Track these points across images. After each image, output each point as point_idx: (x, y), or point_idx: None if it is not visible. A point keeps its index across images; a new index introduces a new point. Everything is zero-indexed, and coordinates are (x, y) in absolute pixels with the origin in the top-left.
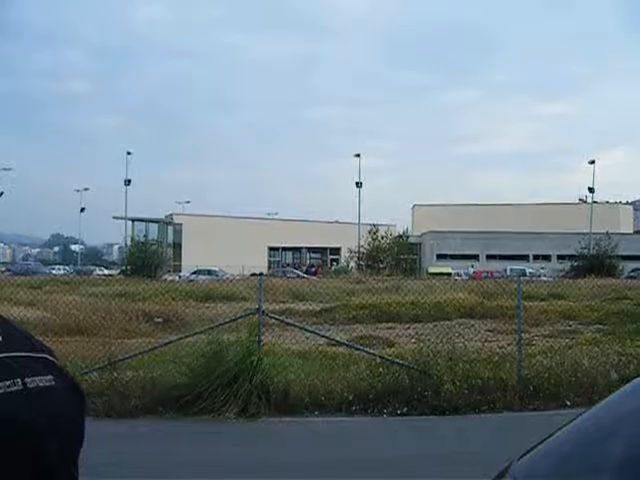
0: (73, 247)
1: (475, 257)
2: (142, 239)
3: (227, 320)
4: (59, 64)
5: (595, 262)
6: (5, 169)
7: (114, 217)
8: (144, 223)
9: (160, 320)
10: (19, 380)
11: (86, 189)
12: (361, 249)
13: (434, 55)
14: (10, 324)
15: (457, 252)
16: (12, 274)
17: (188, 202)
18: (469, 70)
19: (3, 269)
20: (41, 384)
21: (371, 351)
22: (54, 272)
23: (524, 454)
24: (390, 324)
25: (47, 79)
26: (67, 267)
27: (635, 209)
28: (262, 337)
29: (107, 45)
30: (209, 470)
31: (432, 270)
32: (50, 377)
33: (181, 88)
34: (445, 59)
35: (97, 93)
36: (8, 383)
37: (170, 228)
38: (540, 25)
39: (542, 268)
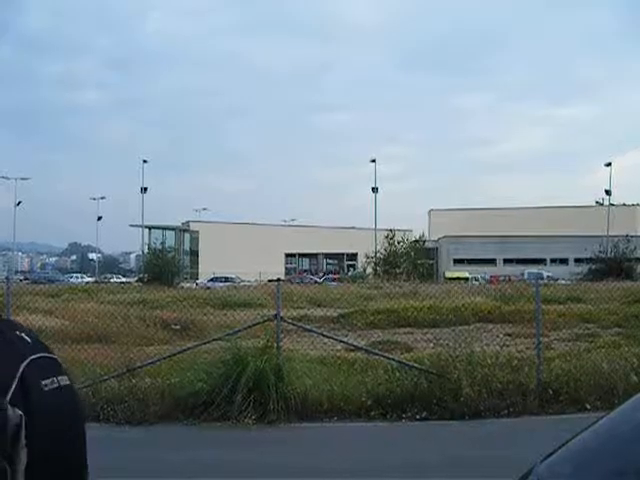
0: (90, 255)
1: (492, 261)
2: (159, 247)
3: (245, 326)
4: (74, 74)
5: (613, 265)
6: (22, 179)
7: (131, 225)
8: (161, 231)
9: (178, 327)
10: (55, 378)
11: (103, 198)
12: (378, 254)
13: (447, 59)
14: (27, 328)
15: (474, 257)
16: (30, 283)
17: (205, 209)
18: (483, 74)
19: (21, 278)
20: (63, 383)
21: (389, 356)
22: (72, 280)
23: (546, 457)
24: (408, 329)
25: (63, 89)
26: (85, 275)
27: None
28: (280, 343)
29: (120, 55)
30: (227, 476)
31: (449, 275)
32: (66, 377)
33: (195, 97)
34: (459, 63)
35: (112, 103)
36: (50, 380)
37: (187, 235)
38: (554, 27)
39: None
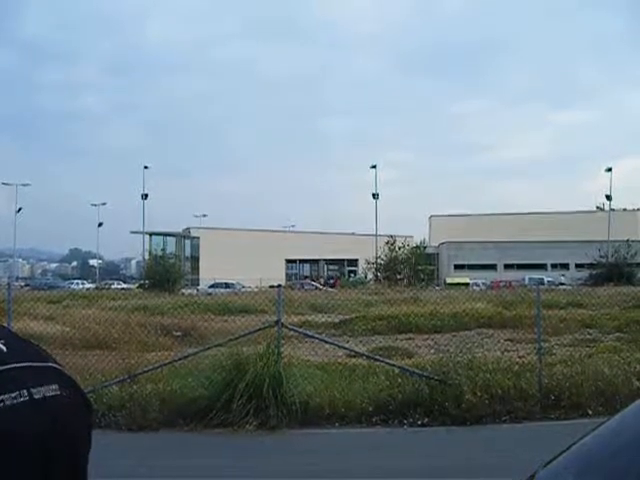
0: (91, 262)
1: (493, 267)
2: (160, 253)
3: (246, 332)
4: (74, 80)
5: (614, 270)
6: (23, 185)
7: (132, 232)
8: (162, 237)
9: (179, 333)
10: (25, 391)
11: (103, 204)
12: (378, 260)
13: (447, 64)
14: (14, 335)
15: (475, 262)
16: (31, 289)
17: (205, 216)
18: (483, 79)
19: (22, 284)
20: (47, 394)
21: (390, 362)
22: (73, 287)
23: (547, 463)
24: (409, 335)
25: (63, 95)
26: (86, 281)
27: None
28: (281, 349)
29: (121, 61)
30: None
31: (450, 280)
32: (56, 386)
33: (195, 103)
34: (459, 68)
35: (112, 109)
36: (14, 395)
37: (187, 242)
38: (554, 32)
39: (562, 275)
